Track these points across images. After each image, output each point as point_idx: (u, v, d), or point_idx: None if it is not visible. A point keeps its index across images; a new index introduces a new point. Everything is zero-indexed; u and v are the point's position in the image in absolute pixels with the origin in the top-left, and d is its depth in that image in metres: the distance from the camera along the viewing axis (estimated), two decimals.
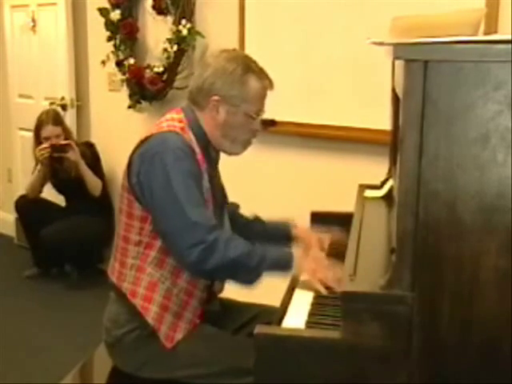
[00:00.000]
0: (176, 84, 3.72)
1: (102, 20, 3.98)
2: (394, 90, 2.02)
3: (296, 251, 1.90)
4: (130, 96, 3.97)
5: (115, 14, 3.93)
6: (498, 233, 1.36)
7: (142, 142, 1.87)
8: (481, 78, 1.33)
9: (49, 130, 4.17)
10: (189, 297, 1.89)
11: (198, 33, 3.63)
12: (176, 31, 3.61)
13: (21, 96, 5.07)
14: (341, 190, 2.66)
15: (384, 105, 2.33)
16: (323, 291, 1.78)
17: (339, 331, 1.45)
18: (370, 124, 2.92)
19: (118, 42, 3.98)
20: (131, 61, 3.92)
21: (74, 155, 4.13)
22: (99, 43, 4.14)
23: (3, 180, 5.50)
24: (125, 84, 3.98)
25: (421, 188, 1.38)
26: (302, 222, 2.22)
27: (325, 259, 1.94)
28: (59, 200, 4.51)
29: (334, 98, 3.09)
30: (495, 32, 2.47)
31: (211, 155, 1.97)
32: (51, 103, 4.56)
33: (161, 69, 3.74)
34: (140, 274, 1.87)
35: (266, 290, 1.91)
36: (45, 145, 4.13)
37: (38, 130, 4.22)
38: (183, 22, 3.59)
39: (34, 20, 4.81)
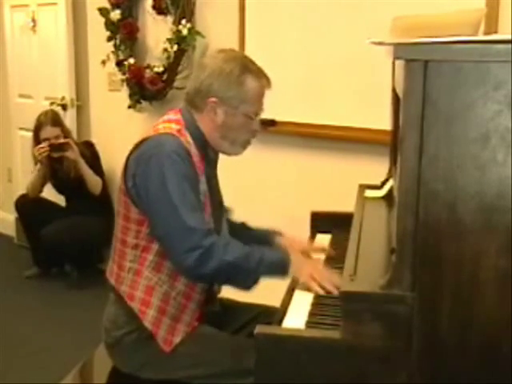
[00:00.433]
0: (176, 84, 3.72)
1: (102, 20, 3.98)
2: (394, 90, 2.02)
3: (293, 255, 1.88)
4: (130, 96, 3.97)
5: (115, 14, 3.93)
6: (498, 233, 1.36)
7: (138, 144, 1.86)
8: (481, 78, 1.33)
9: (48, 130, 4.17)
10: (187, 300, 1.88)
11: (198, 33, 3.63)
12: (176, 31, 3.61)
13: (21, 96, 5.07)
14: (341, 190, 2.66)
15: (384, 105, 2.34)
16: (321, 292, 1.78)
17: (339, 331, 1.45)
18: (370, 124, 2.92)
19: (118, 41, 3.98)
20: (131, 61, 3.92)
21: (73, 154, 4.13)
22: (99, 43, 4.14)
23: (3, 180, 5.50)
24: (125, 84, 3.98)
25: (421, 188, 1.38)
26: (294, 221, 2.20)
27: (322, 264, 1.94)
28: (60, 200, 4.51)
29: (334, 98, 3.09)
30: (495, 32, 2.47)
31: (210, 156, 1.96)
32: (51, 103, 4.57)
33: (161, 69, 3.74)
34: (137, 278, 1.86)
35: (267, 291, 1.91)
36: (43, 144, 4.14)
37: (37, 131, 4.22)
38: (183, 21, 3.59)
39: (34, 20, 4.81)
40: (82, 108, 4.66)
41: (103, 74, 4.29)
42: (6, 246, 5.15)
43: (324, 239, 2.28)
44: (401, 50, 1.39)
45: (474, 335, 1.40)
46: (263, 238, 2.11)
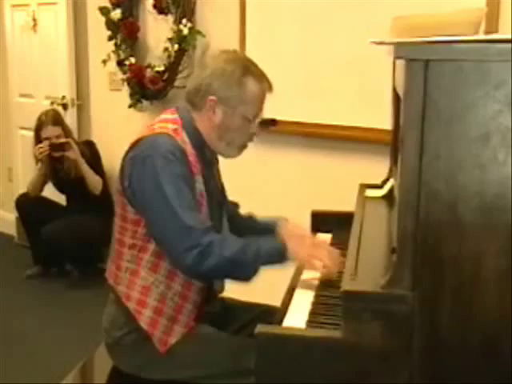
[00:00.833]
0: (177, 83, 3.72)
1: (103, 19, 3.98)
2: (394, 90, 2.02)
3: (289, 240, 1.86)
4: (131, 95, 3.97)
5: (116, 14, 3.93)
6: (499, 232, 1.36)
7: (134, 144, 1.86)
8: (481, 78, 1.33)
9: (49, 130, 4.17)
10: (184, 300, 1.88)
11: (199, 32, 3.63)
12: (177, 31, 3.62)
13: (21, 95, 5.07)
14: (341, 189, 2.66)
15: (385, 104, 2.34)
16: (322, 270, 1.78)
17: (340, 331, 1.45)
18: (370, 123, 2.92)
19: (118, 41, 3.98)
20: (132, 60, 3.92)
21: (73, 154, 4.14)
22: (100, 42, 4.14)
23: (4, 179, 5.50)
24: (125, 83, 3.98)
25: (421, 187, 1.38)
26: (295, 221, 2.20)
27: (320, 241, 1.94)
28: (60, 199, 4.51)
29: (334, 98, 3.09)
30: (496, 31, 2.47)
31: (206, 156, 1.95)
32: (52, 102, 4.57)
33: (161, 68, 3.74)
34: (134, 278, 1.86)
35: (267, 290, 1.91)
36: (43, 143, 4.14)
37: (38, 130, 4.23)
38: (184, 21, 3.59)
39: (34, 19, 4.81)
40: (82, 107, 4.66)
41: (104, 74, 4.29)
42: (7, 246, 5.15)
43: (324, 239, 2.28)
44: (401, 50, 1.38)
45: (474, 335, 1.40)
46: (270, 228, 2.11)
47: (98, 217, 4.16)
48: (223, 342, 1.92)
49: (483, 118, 1.34)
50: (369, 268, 1.61)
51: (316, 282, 1.87)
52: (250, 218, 2.21)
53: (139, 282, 1.86)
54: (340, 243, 2.06)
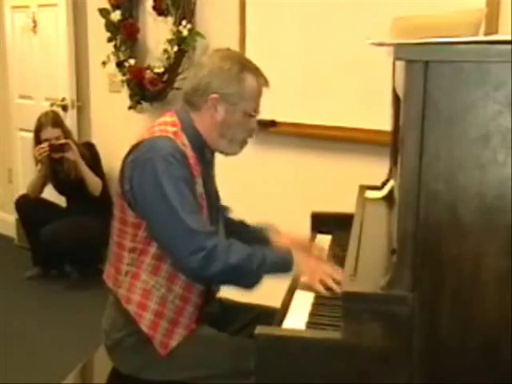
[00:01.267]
0: (176, 85, 3.72)
1: (103, 21, 3.99)
2: (394, 91, 2.02)
3: (295, 252, 1.89)
4: (131, 97, 3.97)
5: (116, 15, 3.93)
6: (499, 233, 1.36)
7: (134, 147, 1.85)
8: (481, 79, 1.33)
9: (48, 132, 4.17)
10: (184, 303, 1.87)
11: (199, 33, 3.63)
12: (176, 32, 3.62)
13: (21, 97, 5.07)
14: (341, 190, 2.66)
15: (384, 105, 2.33)
16: (323, 292, 1.78)
17: (340, 332, 1.45)
18: (370, 125, 2.92)
19: (118, 42, 3.98)
20: (132, 61, 3.93)
21: (73, 155, 4.13)
22: (100, 44, 4.14)
23: (3, 181, 5.50)
24: (125, 85, 3.98)
25: (421, 188, 1.38)
26: (294, 222, 2.20)
27: (325, 260, 1.94)
28: (60, 200, 4.50)
29: (334, 99, 3.09)
30: (496, 32, 2.47)
31: (206, 157, 1.95)
32: (52, 104, 4.57)
33: (161, 69, 3.74)
34: (135, 281, 1.86)
35: (267, 291, 1.90)
36: (43, 144, 4.14)
37: (37, 132, 4.22)
38: (183, 22, 3.59)
39: (34, 21, 4.80)
40: (82, 109, 4.66)
41: (103, 75, 4.29)
42: (7, 247, 5.14)
43: (324, 240, 2.28)
44: (401, 51, 1.39)
45: (474, 335, 1.40)
46: (262, 236, 2.12)
47: (98, 218, 4.16)
48: (223, 342, 1.91)
49: (483, 118, 1.34)
50: (369, 269, 1.61)
51: None
52: (242, 223, 2.20)
53: (140, 285, 1.85)
54: (340, 244, 2.07)
